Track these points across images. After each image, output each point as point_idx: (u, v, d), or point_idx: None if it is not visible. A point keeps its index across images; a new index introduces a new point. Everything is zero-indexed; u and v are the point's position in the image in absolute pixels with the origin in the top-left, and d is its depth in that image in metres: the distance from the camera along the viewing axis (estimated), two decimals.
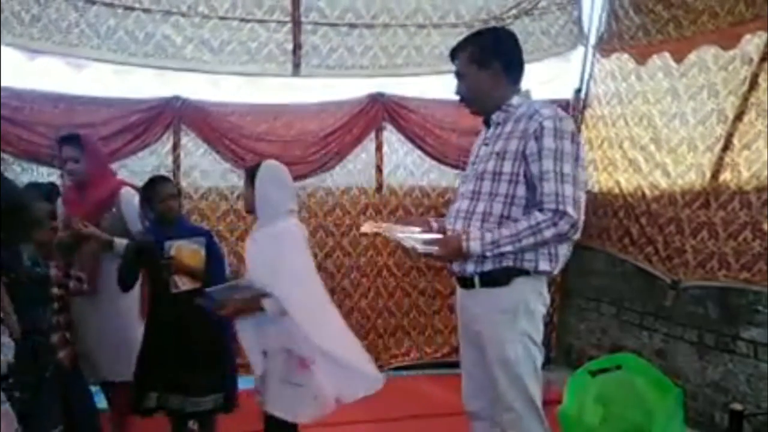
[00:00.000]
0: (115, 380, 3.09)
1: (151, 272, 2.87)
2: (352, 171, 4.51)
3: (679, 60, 3.66)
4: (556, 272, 2.19)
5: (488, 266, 2.12)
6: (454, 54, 2.29)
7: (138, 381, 2.85)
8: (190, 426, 3.01)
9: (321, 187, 4.46)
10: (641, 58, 3.97)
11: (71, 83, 4.11)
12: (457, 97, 2.31)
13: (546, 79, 4.59)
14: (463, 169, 2.58)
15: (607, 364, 2.98)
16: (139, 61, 4.13)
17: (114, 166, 3.72)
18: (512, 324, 2.11)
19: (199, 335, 2.77)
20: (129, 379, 3.00)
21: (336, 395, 2.40)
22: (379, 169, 4.53)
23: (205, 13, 4.19)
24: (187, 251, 2.80)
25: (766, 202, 3.06)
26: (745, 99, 3.20)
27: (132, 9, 4.06)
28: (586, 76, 4.48)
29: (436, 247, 2.13)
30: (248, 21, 4.27)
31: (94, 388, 3.09)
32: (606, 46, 4.32)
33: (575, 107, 4.49)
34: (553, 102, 3.14)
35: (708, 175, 3.38)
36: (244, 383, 2.93)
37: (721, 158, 3.31)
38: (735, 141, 3.25)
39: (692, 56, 3.57)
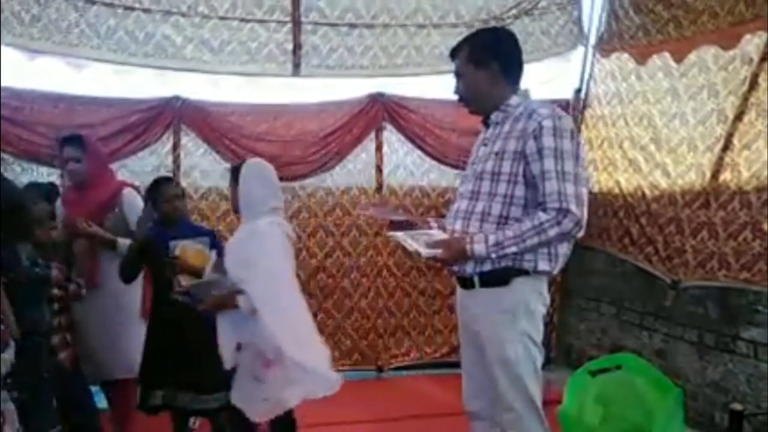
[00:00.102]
0: (116, 378, 3.09)
1: (154, 271, 2.90)
2: (352, 171, 4.51)
3: (679, 60, 3.66)
4: (555, 272, 2.19)
5: (488, 266, 2.11)
6: (453, 54, 2.30)
7: (143, 378, 2.87)
8: (190, 426, 3.02)
9: (321, 187, 4.46)
10: (641, 58, 3.96)
11: (71, 83, 4.11)
12: (456, 97, 2.32)
13: (546, 79, 4.59)
14: (463, 169, 2.58)
15: (607, 364, 2.98)
16: (139, 61, 4.13)
17: (114, 166, 3.73)
18: (512, 324, 2.11)
19: (202, 333, 2.77)
20: (130, 376, 3.01)
21: (295, 395, 2.40)
22: (379, 169, 4.53)
23: (205, 13, 4.19)
24: (192, 251, 2.83)
25: (766, 202, 3.06)
26: (745, 99, 3.19)
27: (132, 9, 4.06)
28: (586, 76, 4.48)
29: (440, 250, 2.12)
30: (248, 21, 4.27)
31: (94, 388, 3.10)
32: (606, 46, 4.32)
33: (575, 107, 4.49)
34: (553, 102, 3.15)
35: (708, 175, 3.37)
36: None
37: (721, 158, 3.31)
38: (735, 141, 3.25)
39: (692, 56, 3.56)
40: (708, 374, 3.39)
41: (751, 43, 3.20)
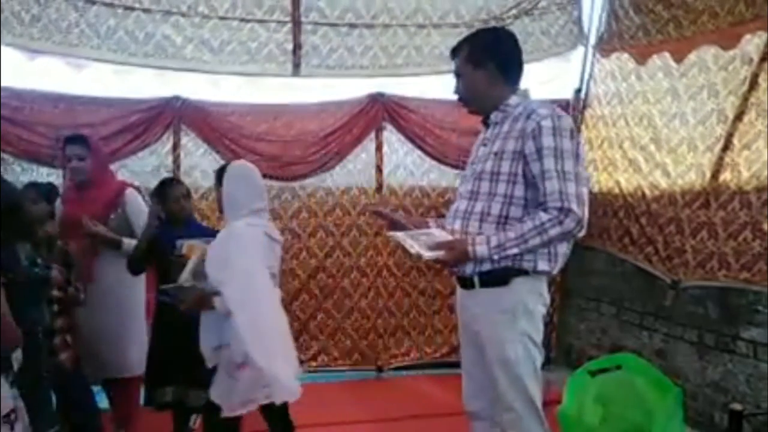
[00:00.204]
0: (118, 376, 3.10)
1: (160, 269, 2.91)
2: (352, 171, 4.51)
3: (679, 60, 3.66)
4: (555, 272, 2.19)
5: (487, 266, 2.11)
6: (453, 53, 2.30)
7: (152, 376, 2.90)
8: (191, 425, 3.02)
9: (321, 187, 4.47)
10: (641, 58, 3.96)
11: (71, 83, 4.12)
12: (456, 97, 2.32)
13: (546, 79, 4.59)
14: (463, 169, 2.58)
15: (607, 364, 2.97)
16: (139, 61, 4.14)
17: (114, 166, 3.74)
18: (512, 324, 2.11)
19: None
20: (132, 374, 3.02)
21: (263, 395, 2.43)
22: (379, 169, 4.53)
23: (205, 13, 4.19)
24: (198, 250, 2.84)
25: (766, 202, 3.06)
26: (745, 99, 3.19)
27: (132, 9, 4.07)
28: (586, 76, 4.48)
29: (443, 252, 2.12)
30: (248, 21, 4.28)
31: (95, 388, 3.10)
32: (606, 46, 4.32)
33: (575, 107, 4.49)
34: (553, 102, 3.15)
35: (708, 175, 3.37)
36: None
37: (721, 158, 3.31)
38: (735, 141, 3.25)
39: (692, 56, 3.56)
40: (708, 374, 3.39)
41: (751, 43, 3.19)
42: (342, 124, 4.41)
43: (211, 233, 3.01)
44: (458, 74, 2.27)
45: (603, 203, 4.20)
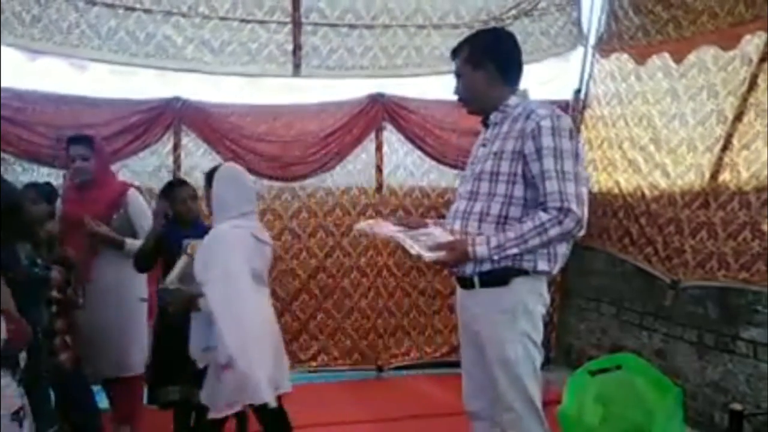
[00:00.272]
0: (120, 376, 3.10)
1: (166, 269, 2.91)
2: (352, 171, 4.51)
3: (678, 60, 3.66)
4: (555, 272, 2.19)
5: (487, 266, 2.12)
6: (454, 54, 2.31)
7: (156, 375, 2.92)
8: (191, 424, 3.02)
9: (321, 187, 4.47)
10: (641, 59, 3.97)
11: (72, 84, 4.12)
12: (456, 98, 2.33)
13: (545, 79, 4.60)
14: (463, 169, 2.59)
15: (607, 364, 2.98)
16: (140, 62, 4.14)
17: (115, 166, 3.74)
18: (512, 324, 2.12)
19: None
20: (134, 373, 3.02)
21: (244, 398, 2.43)
22: (379, 170, 4.54)
23: (206, 13, 4.20)
24: None
25: (765, 202, 3.06)
26: (745, 99, 3.20)
27: (133, 9, 4.07)
28: (586, 77, 4.48)
29: (443, 253, 2.13)
30: (249, 22, 4.28)
31: (95, 388, 3.10)
32: (605, 46, 4.33)
33: (575, 108, 4.49)
34: (553, 103, 3.16)
35: (707, 175, 3.38)
36: None
37: (720, 158, 3.32)
38: (734, 141, 3.26)
39: (692, 57, 3.57)
40: (708, 374, 3.39)
41: (751, 44, 3.20)
42: (342, 125, 4.42)
43: None
44: (458, 75, 2.28)
45: (603, 203, 4.20)
